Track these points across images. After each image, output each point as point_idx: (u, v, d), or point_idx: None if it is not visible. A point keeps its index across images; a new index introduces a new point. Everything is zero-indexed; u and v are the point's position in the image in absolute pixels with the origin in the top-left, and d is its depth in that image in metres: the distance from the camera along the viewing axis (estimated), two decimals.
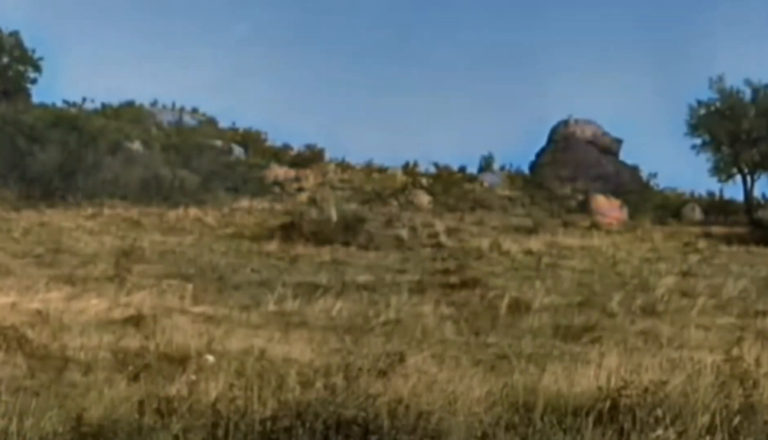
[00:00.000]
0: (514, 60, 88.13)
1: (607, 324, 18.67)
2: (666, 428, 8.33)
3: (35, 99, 51.52)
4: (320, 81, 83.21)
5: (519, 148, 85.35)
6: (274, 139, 58.34)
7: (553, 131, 55.30)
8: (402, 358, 11.88)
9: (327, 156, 56.88)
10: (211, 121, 58.37)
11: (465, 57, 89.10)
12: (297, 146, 58.03)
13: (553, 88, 79.54)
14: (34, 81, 51.00)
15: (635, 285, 24.64)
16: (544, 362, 13.14)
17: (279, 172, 50.12)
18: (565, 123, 55.22)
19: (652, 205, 48.36)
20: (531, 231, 38.38)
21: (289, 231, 32.55)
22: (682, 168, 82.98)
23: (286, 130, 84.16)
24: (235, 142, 53.68)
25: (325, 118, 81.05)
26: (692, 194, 53.03)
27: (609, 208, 45.74)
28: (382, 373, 10.89)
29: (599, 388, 8.97)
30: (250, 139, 55.91)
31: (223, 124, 58.59)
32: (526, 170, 55.44)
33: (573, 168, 52.88)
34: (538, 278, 25.39)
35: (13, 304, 17.27)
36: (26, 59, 50.38)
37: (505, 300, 20.47)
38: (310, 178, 50.24)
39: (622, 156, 55.62)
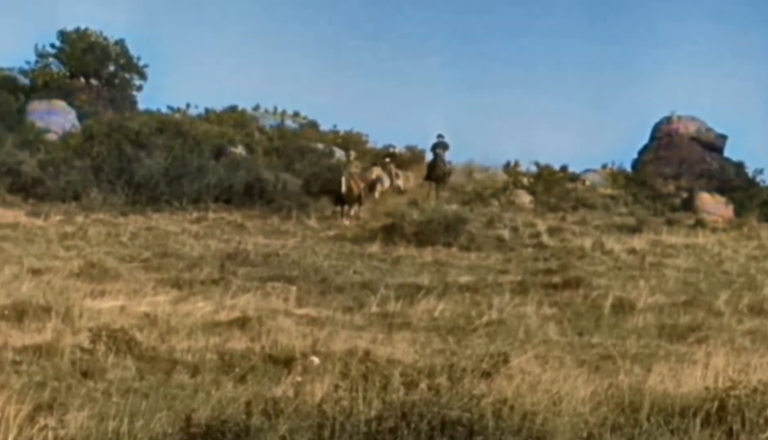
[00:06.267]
0: (616, 57, 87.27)
1: (713, 324, 18.40)
2: None
3: (141, 106, 52.44)
4: (417, 81, 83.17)
5: (622, 146, 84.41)
6: (376, 141, 58.51)
7: (656, 128, 54.53)
8: (506, 359, 11.88)
9: (427, 157, 56.88)
10: (313, 124, 58.75)
11: (566, 55, 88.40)
12: (399, 147, 58.10)
13: (655, 85, 78.46)
14: (139, 88, 51.86)
15: (742, 284, 24.20)
16: (649, 362, 13.02)
17: (380, 173, 50.18)
18: (667, 119, 54.40)
19: (758, 201, 47.41)
20: (634, 229, 37.89)
21: (390, 232, 32.60)
22: None
23: (388, 130, 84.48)
24: (336, 144, 53.89)
25: (425, 118, 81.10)
26: None
27: (714, 206, 44.98)
28: (486, 374, 10.89)
29: (706, 388, 8.86)
30: (351, 141, 56.08)
31: (324, 126, 58.94)
32: (628, 168, 54.82)
33: (676, 165, 52.11)
34: (642, 277, 25.08)
35: (122, 307, 17.59)
36: (132, 67, 51.21)
37: (609, 300, 20.29)
38: (411, 179, 50.26)
39: (727, 152, 54.60)
